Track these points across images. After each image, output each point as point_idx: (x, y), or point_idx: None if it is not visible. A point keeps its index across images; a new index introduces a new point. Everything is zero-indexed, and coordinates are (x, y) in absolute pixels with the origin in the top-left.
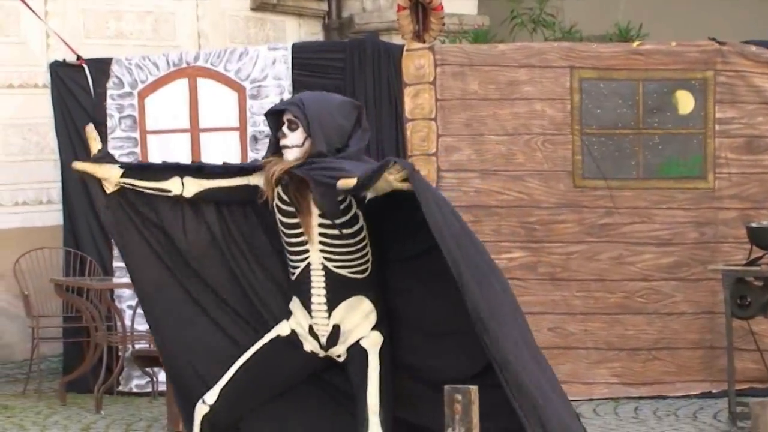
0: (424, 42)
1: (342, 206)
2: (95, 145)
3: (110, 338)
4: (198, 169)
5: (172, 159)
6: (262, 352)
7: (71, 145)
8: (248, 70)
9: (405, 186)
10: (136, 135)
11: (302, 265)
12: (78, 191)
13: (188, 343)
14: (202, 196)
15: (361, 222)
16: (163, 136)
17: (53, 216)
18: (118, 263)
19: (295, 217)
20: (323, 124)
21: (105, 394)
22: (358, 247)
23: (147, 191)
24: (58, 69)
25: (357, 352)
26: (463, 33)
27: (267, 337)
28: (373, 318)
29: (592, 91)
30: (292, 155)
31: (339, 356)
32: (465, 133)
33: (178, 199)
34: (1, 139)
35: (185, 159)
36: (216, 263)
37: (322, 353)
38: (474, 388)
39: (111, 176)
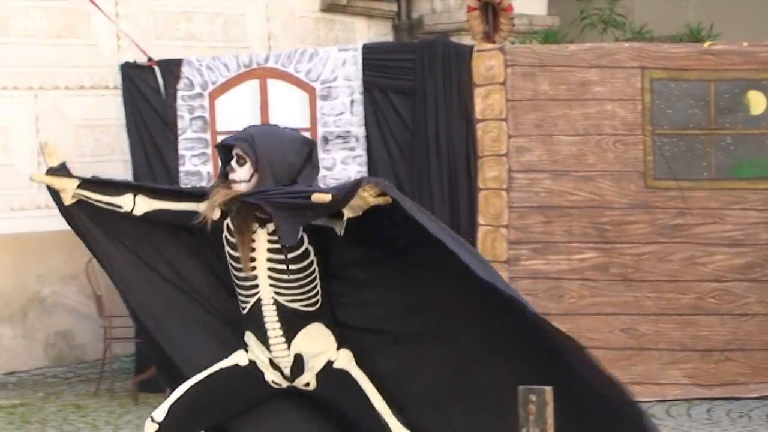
0: (494, 43)
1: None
2: (52, 160)
3: None
4: (151, 189)
5: None
6: (218, 377)
7: (142, 145)
8: (318, 71)
9: (381, 200)
10: (207, 136)
11: (252, 300)
12: None
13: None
14: (150, 216)
15: (312, 257)
16: None
17: None
18: None
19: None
20: (272, 161)
21: None
22: (308, 280)
23: (100, 205)
24: (129, 70)
25: (335, 376)
26: (533, 33)
27: (223, 363)
28: (332, 339)
29: (663, 91)
30: (242, 188)
31: (307, 384)
32: (536, 133)
33: (129, 216)
34: (73, 141)
35: None
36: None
37: (285, 384)
38: (549, 389)
39: (67, 188)
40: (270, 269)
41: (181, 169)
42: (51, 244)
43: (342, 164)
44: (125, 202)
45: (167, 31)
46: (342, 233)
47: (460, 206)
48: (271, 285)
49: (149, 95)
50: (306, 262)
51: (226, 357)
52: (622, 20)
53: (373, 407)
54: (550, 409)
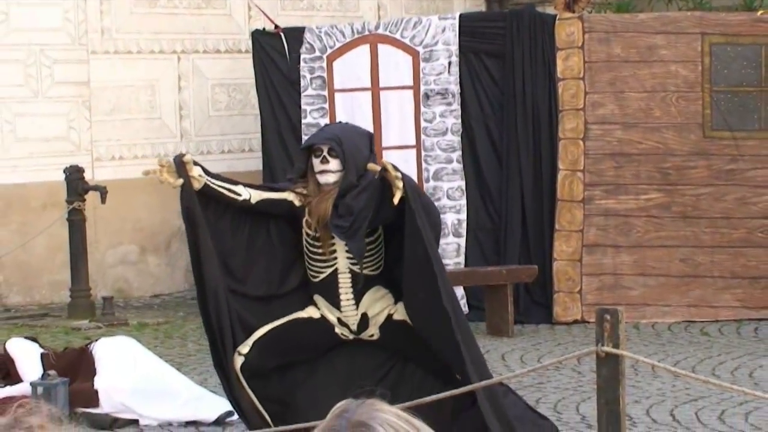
0: (573, 12)
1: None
2: (190, 167)
3: None
4: (254, 186)
5: (356, 114)
6: (295, 323)
7: (269, 101)
8: (421, 36)
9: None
10: (325, 93)
11: (329, 270)
12: (275, 142)
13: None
14: (259, 205)
15: (380, 230)
16: (347, 94)
17: (254, 162)
18: None
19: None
20: (354, 157)
21: None
22: (376, 250)
23: (222, 191)
24: (258, 37)
25: (396, 326)
26: (607, 4)
27: (300, 314)
28: (390, 296)
29: (721, 54)
30: (332, 178)
31: (371, 335)
32: (609, 90)
33: (243, 205)
34: (210, 97)
35: (367, 114)
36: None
37: (351, 336)
38: (621, 309)
39: (196, 175)
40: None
41: (303, 121)
42: None
43: (440, 117)
44: (242, 191)
45: (292, 3)
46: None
47: (543, 153)
48: (347, 257)
49: (276, 58)
50: (376, 235)
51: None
52: None
53: (429, 348)
54: (622, 326)
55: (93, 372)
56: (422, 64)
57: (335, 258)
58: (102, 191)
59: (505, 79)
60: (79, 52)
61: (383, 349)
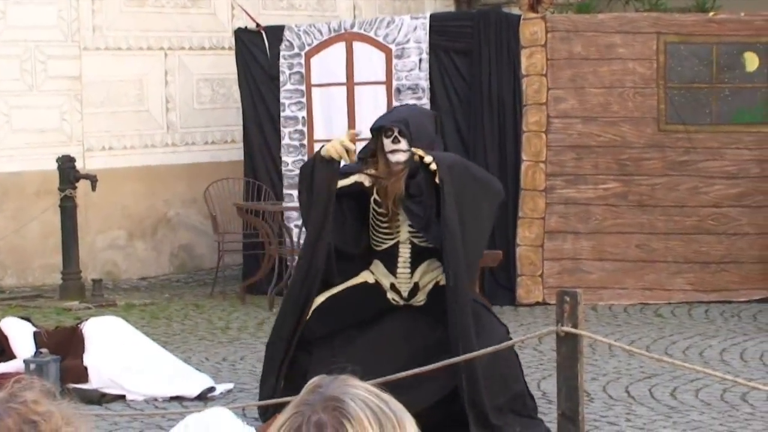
0: (537, 12)
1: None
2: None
3: (281, 251)
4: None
5: (332, 107)
6: (352, 289)
7: (251, 95)
8: (394, 35)
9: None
10: (303, 88)
11: (392, 242)
12: (256, 133)
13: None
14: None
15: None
16: (324, 89)
17: (236, 153)
18: (287, 190)
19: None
20: (421, 137)
21: (276, 295)
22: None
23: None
24: (241, 34)
25: (442, 294)
26: (569, 5)
27: (355, 280)
28: (438, 264)
29: (675, 52)
30: (402, 157)
31: (420, 301)
32: (570, 86)
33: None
34: (195, 91)
35: (343, 107)
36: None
37: (402, 302)
38: (580, 291)
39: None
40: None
41: (282, 114)
42: (176, 175)
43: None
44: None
45: (272, 2)
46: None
47: (507, 145)
48: (409, 231)
49: (257, 54)
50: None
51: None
52: None
53: (471, 311)
54: (581, 308)
55: (83, 350)
56: (395, 61)
57: (398, 231)
58: (93, 179)
59: (473, 75)
60: (71, 49)
61: (429, 314)
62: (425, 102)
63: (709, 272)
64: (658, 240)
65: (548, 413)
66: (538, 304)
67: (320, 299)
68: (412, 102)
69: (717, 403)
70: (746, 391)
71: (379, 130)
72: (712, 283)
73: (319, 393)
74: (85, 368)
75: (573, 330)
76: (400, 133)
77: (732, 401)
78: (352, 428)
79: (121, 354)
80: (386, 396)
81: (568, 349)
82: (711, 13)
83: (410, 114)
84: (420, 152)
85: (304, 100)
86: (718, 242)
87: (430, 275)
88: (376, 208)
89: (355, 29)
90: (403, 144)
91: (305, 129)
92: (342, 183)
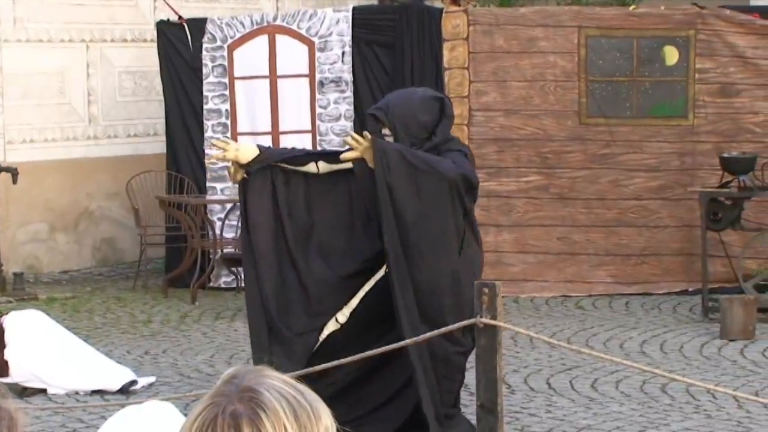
0: (459, 6)
1: None
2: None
3: (203, 244)
4: (321, 154)
5: (255, 100)
6: (377, 284)
7: (173, 88)
8: (317, 27)
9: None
10: (226, 80)
11: None
12: (179, 126)
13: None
14: (328, 175)
15: None
16: (247, 82)
17: (158, 145)
18: (210, 183)
19: None
20: (405, 123)
21: (199, 288)
22: None
23: (291, 168)
24: (163, 27)
25: None
26: None
27: (380, 274)
28: None
29: (596, 46)
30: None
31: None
32: (492, 79)
33: (310, 177)
34: (117, 84)
35: (266, 100)
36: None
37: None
38: (499, 283)
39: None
40: None
41: (205, 107)
42: (98, 168)
43: (334, 104)
44: (311, 167)
45: None
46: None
47: None
48: None
49: (179, 47)
50: None
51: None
52: None
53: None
54: (500, 300)
55: (3, 344)
56: (317, 54)
57: None
58: (14, 172)
59: (395, 68)
60: None
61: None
62: (348, 95)
63: (630, 265)
64: (579, 233)
65: (470, 405)
66: None
67: (354, 302)
68: (335, 95)
69: (637, 395)
70: (666, 383)
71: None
72: (633, 275)
73: (235, 384)
74: (6, 362)
75: (492, 321)
76: (378, 119)
77: (652, 392)
78: (268, 419)
79: (42, 348)
80: (301, 387)
81: (488, 341)
82: (631, 7)
83: (396, 100)
84: (349, 138)
85: (227, 92)
86: (639, 235)
87: None
88: None
89: (278, 22)
90: (386, 130)
91: (228, 122)
92: (334, 167)
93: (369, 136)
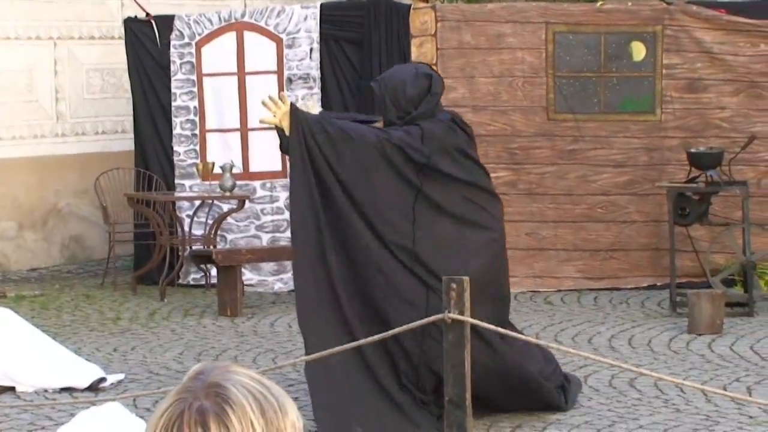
0: (427, 2)
1: None
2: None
3: (172, 241)
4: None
5: (223, 97)
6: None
7: (141, 85)
8: (285, 24)
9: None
10: (194, 77)
11: None
12: (147, 123)
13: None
14: None
15: None
16: (215, 79)
17: (126, 143)
18: (179, 180)
19: None
20: (394, 96)
21: (168, 285)
22: None
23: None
24: (131, 24)
25: None
26: None
27: None
28: None
29: (564, 42)
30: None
31: None
32: (460, 75)
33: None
34: (85, 81)
35: (234, 97)
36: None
37: None
38: (467, 279)
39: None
40: None
41: (173, 104)
42: (67, 165)
43: (302, 100)
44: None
45: None
46: None
47: None
48: None
49: (147, 44)
50: None
51: None
52: None
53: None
54: (467, 295)
55: None
56: (285, 51)
57: None
58: None
59: (363, 64)
60: None
61: None
62: (316, 91)
63: (598, 260)
64: (547, 228)
65: None
66: None
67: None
68: (304, 92)
69: (605, 389)
70: (634, 377)
71: None
72: (601, 270)
73: (201, 380)
74: None
75: (459, 317)
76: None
77: (620, 387)
78: (234, 414)
79: (10, 346)
80: (268, 382)
81: (455, 336)
82: (599, 3)
83: (391, 74)
84: (267, 99)
85: (195, 89)
86: (607, 230)
87: None
88: None
89: (246, 19)
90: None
91: (197, 119)
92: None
93: (288, 100)
